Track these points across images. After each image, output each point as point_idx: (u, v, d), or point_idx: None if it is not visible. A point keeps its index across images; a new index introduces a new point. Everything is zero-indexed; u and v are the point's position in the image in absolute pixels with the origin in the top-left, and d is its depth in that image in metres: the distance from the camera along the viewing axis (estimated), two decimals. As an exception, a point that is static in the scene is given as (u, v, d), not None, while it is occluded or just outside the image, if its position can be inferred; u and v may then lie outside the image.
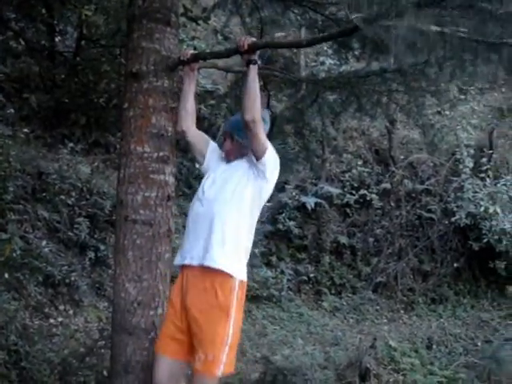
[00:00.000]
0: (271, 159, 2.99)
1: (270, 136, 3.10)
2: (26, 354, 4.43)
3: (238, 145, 3.07)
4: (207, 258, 2.86)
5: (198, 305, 2.87)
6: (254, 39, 2.92)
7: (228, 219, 2.90)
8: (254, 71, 2.89)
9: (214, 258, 2.85)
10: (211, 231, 2.88)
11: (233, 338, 2.86)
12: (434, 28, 2.86)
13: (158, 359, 2.98)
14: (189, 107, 3.22)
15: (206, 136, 3.29)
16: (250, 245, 3.02)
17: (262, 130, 2.92)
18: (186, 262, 2.94)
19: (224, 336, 2.83)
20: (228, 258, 2.87)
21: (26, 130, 6.48)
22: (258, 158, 2.95)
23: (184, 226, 3.23)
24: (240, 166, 3.04)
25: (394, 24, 2.56)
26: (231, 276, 2.86)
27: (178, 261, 3.02)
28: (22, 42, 7.31)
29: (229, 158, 3.11)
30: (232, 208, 2.92)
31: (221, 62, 3.70)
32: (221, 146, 3.19)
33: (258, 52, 2.94)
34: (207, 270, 2.86)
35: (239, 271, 2.91)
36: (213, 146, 3.24)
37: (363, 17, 2.66)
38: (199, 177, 3.21)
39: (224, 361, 2.83)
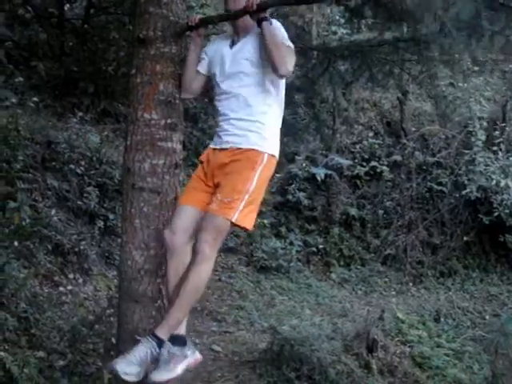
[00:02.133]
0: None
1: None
2: (36, 322, 4.47)
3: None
4: (246, 141, 2.87)
5: (226, 157, 2.88)
6: None
7: (255, 102, 2.90)
8: (268, 27, 2.83)
9: (253, 141, 2.87)
10: (243, 117, 2.89)
11: (254, 192, 2.83)
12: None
13: (178, 209, 2.99)
14: (193, 74, 3.17)
15: (198, 71, 3.16)
16: (279, 125, 3.02)
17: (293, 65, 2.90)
18: (218, 146, 2.96)
19: (245, 185, 2.81)
20: (262, 139, 2.88)
21: (35, 99, 6.45)
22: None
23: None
24: (249, 45, 2.97)
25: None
26: (264, 153, 2.88)
27: (212, 144, 3.02)
28: (30, 10, 7.25)
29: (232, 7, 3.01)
30: (256, 91, 2.91)
31: (229, 29, 3.63)
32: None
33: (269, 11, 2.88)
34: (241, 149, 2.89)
35: (272, 150, 2.93)
36: (204, 59, 3.14)
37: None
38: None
39: (240, 208, 2.79)
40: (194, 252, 2.80)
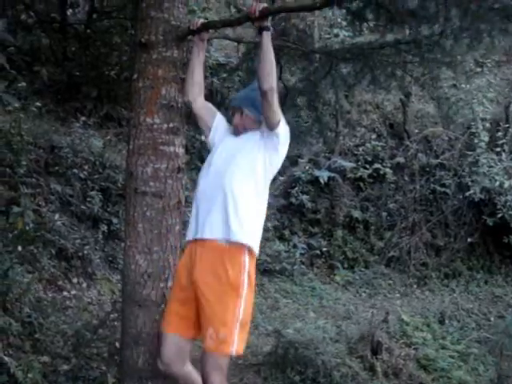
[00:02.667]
0: (283, 131, 2.96)
1: (282, 109, 3.05)
2: (40, 326, 4.47)
3: (248, 119, 3.03)
4: (226, 231, 2.83)
5: (206, 279, 2.83)
6: (265, 5, 2.86)
7: (240, 190, 2.86)
8: (267, 38, 2.82)
9: (233, 231, 2.83)
10: (225, 203, 2.84)
11: (244, 316, 2.82)
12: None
13: (163, 337, 2.97)
14: (196, 78, 3.17)
15: (213, 108, 3.24)
16: (263, 217, 2.99)
17: (277, 100, 2.88)
18: (198, 236, 2.90)
19: (235, 314, 2.79)
20: (243, 230, 2.85)
21: (38, 104, 6.46)
22: (271, 129, 2.91)
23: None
24: (250, 137, 3.00)
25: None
26: (245, 247, 2.85)
27: (188, 236, 2.98)
28: (33, 15, 7.27)
29: (238, 132, 3.07)
30: (243, 179, 2.88)
31: (232, 33, 3.65)
32: (230, 120, 3.15)
33: (270, 19, 2.88)
34: (220, 244, 2.84)
35: (253, 243, 2.91)
36: (219, 118, 3.19)
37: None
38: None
39: (236, 340, 2.79)
40: None
